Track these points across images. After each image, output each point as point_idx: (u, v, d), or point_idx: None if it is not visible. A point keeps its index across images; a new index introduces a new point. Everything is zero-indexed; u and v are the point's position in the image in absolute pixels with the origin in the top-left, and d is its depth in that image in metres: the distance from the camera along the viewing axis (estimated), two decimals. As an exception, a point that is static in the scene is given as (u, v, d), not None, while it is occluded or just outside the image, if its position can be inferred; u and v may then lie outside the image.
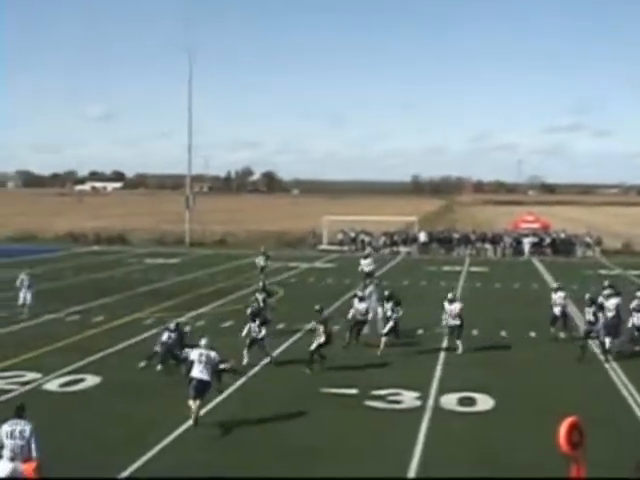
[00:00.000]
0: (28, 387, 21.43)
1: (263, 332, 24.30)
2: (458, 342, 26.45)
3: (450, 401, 20.55)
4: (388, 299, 27.23)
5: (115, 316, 32.34)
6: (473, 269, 54.10)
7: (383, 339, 26.21)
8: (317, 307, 25.12)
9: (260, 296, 29.23)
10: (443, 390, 21.59)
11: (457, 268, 54.23)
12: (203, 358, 18.93)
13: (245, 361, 23.85)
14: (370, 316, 27.98)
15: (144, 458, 16.16)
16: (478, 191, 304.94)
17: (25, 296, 32.71)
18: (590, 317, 25.72)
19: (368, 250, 53.73)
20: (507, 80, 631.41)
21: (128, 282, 44.41)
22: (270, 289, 31.16)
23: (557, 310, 28.49)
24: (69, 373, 23.02)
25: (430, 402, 20.46)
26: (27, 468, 12.71)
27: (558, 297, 28.72)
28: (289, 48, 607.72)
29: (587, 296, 26.72)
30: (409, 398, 20.78)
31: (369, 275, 40.99)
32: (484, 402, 20.55)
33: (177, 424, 18.23)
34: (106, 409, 19.78)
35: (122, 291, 40.27)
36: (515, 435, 18.09)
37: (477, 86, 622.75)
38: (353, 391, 21.38)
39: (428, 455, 16.64)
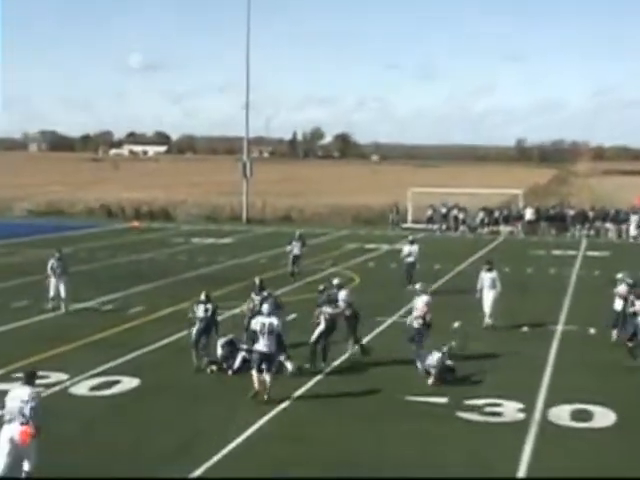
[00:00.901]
0: (52, 390, 21.69)
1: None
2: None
3: (561, 414, 20.34)
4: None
5: (157, 306, 32.74)
6: (590, 253, 53.64)
7: None
8: (320, 287, 25.35)
9: (257, 298, 24.95)
10: (552, 401, 21.37)
11: (571, 252, 53.79)
12: (266, 328, 19.54)
13: (289, 366, 23.10)
14: (492, 295, 29.42)
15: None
16: (598, 158, 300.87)
17: (57, 286, 31.76)
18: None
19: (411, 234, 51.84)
20: (635, 25, 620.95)
21: (172, 266, 44.98)
22: (280, 298, 26.56)
23: (619, 305, 27.91)
24: (101, 374, 23.27)
25: (537, 415, 20.28)
26: (23, 432, 14.38)
27: (622, 289, 28.22)
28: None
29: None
30: (511, 410, 20.61)
31: (412, 267, 38.77)
32: (604, 416, 20.28)
33: (230, 437, 18.31)
34: (144, 417, 19.97)
35: (165, 276, 40.74)
36: (642, 457, 17.85)
37: (598, 32, 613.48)
38: (443, 400, 21.29)
39: (534, 480, 16.48)
